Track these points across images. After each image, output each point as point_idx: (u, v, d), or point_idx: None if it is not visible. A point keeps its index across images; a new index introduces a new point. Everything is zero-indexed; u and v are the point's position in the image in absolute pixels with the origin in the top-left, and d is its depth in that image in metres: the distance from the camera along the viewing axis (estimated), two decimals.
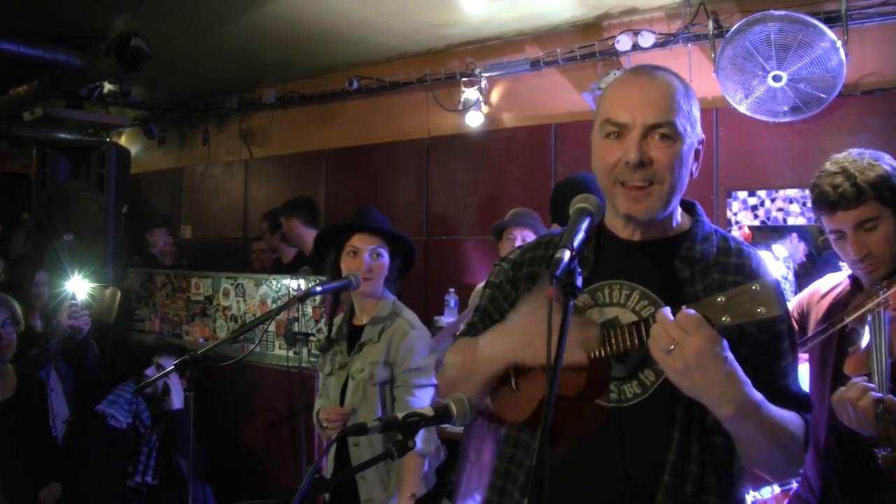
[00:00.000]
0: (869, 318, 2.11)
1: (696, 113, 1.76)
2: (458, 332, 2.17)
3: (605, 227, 1.86)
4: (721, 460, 1.68)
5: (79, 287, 4.73)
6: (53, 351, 4.57)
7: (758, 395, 1.55)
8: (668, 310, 1.51)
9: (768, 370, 1.69)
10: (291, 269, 5.46)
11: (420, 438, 3.06)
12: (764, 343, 1.70)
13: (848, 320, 2.22)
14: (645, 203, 1.70)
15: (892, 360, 2.00)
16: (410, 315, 3.30)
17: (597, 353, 1.66)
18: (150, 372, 4.98)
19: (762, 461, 1.69)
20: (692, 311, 1.47)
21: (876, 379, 1.97)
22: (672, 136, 1.68)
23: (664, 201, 1.71)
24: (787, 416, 1.66)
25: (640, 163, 1.67)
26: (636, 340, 1.61)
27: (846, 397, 1.97)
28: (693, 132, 1.74)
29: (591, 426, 1.72)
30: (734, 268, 1.74)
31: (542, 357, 1.59)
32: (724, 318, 1.46)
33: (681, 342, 1.46)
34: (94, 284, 4.99)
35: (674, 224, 1.81)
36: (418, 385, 3.10)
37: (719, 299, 1.47)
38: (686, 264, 1.75)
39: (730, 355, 1.49)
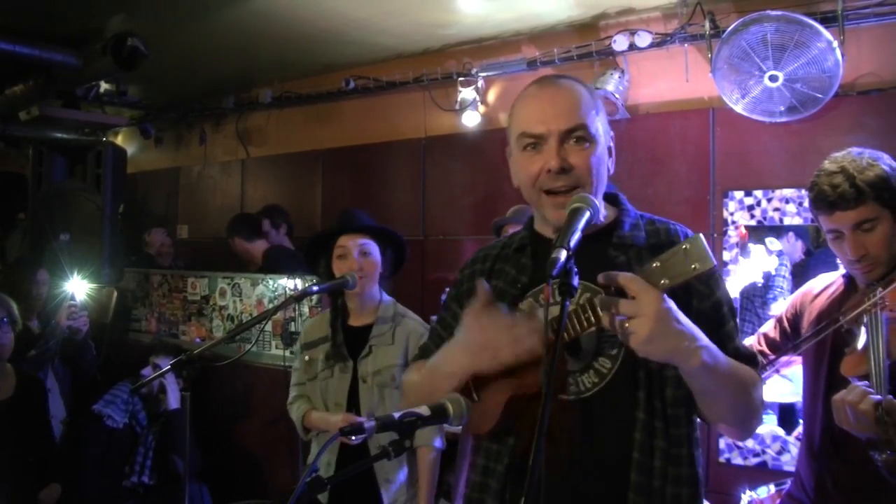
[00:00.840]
0: (865, 319, 2.11)
1: (603, 114, 1.86)
2: (411, 357, 2.21)
3: (537, 233, 1.95)
4: (685, 431, 1.75)
5: (78, 288, 4.73)
6: (52, 351, 4.57)
7: (711, 342, 1.62)
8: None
9: (716, 336, 1.72)
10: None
11: (433, 435, 3.08)
12: (706, 311, 1.77)
13: (843, 321, 2.22)
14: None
15: (891, 362, 1.99)
16: (413, 314, 3.30)
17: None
18: (147, 372, 4.97)
19: (729, 413, 1.75)
20: (632, 275, 1.54)
21: (874, 380, 1.97)
22: (587, 137, 1.78)
23: None
24: (744, 367, 1.75)
25: (562, 169, 1.75)
26: (586, 323, 1.65)
27: (847, 400, 1.97)
28: (605, 132, 1.84)
29: (557, 421, 1.72)
30: (666, 245, 1.74)
31: (501, 358, 1.69)
32: (662, 281, 1.52)
33: (635, 313, 1.51)
34: (91, 285, 4.99)
35: (601, 218, 1.84)
36: None
37: (654, 265, 1.53)
38: (620, 251, 1.83)
39: (675, 307, 1.55)
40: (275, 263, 5.44)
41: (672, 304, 1.54)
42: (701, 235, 1.50)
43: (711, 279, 1.80)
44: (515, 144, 1.87)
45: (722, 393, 1.69)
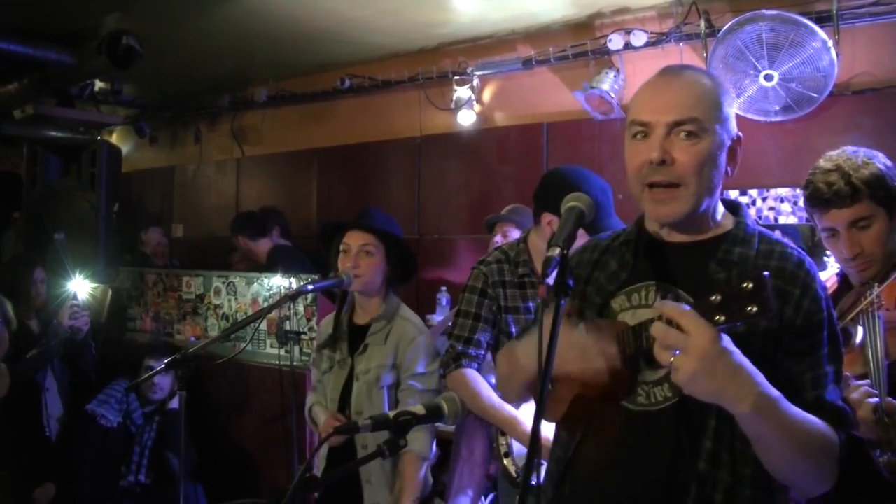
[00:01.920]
0: (861, 318, 2.10)
1: (730, 111, 1.73)
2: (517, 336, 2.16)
3: (645, 229, 1.84)
4: (755, 472, 1.61)
5: (79, 287, 4.72)
6: (54, 351, 4.56)
7: (774, 391, 1.48)
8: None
9: (801, 378, 1.62)
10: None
11: (424, 443, 3.06)
12: (799, 350, 1.64)
13: (842, 323, 2.21)
14: (670, 206, 1.68)
15: (889, 361, 1.99)
16: (415, 318, 3.28)
17: (620, 356, 1.65)
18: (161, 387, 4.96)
19: (784, 468, 1.60)
20: (686, 307, 1.44)
21: (874, 381, 1.96)
22: (697, 132, 1.65)
23: (691, 204, 1.67)
24: (815, 422, 1.57)
25: (662, 161, 1.64)
26: (643, 342, 1.58)
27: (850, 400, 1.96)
28: (724, 129, 1.69)
29: (616, 428, 1.69)
30: (774, 270, 1.65)
31: (569, 370, 1.66)
32: (717, 318, 1.41)
33: (682, 347, 1.42)
34: (93, 284, 4.98)
35: (712, 225, 1.76)
36: (422, 391, 3.09)
37: (714, 297, 1.43)
38: (722, 267, 1.70)
39: (735, 349, 1.45)
40: (279, 263, 5.43)
41: (728, 344, 1.43)
42: (766, 275, 1.38)
43: (816, 316, 1.65)
44: (627, 132, 1.75)
45: (777, 446, 1.54)
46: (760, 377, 1.46)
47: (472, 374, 2.93)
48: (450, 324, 4.22)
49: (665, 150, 1.64)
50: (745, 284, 1.40)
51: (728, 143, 1.71)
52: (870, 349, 2.01)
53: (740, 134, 1.74)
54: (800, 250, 1.76)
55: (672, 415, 1.64)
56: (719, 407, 1.50)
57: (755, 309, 1.38)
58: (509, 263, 3.01)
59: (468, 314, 3.00)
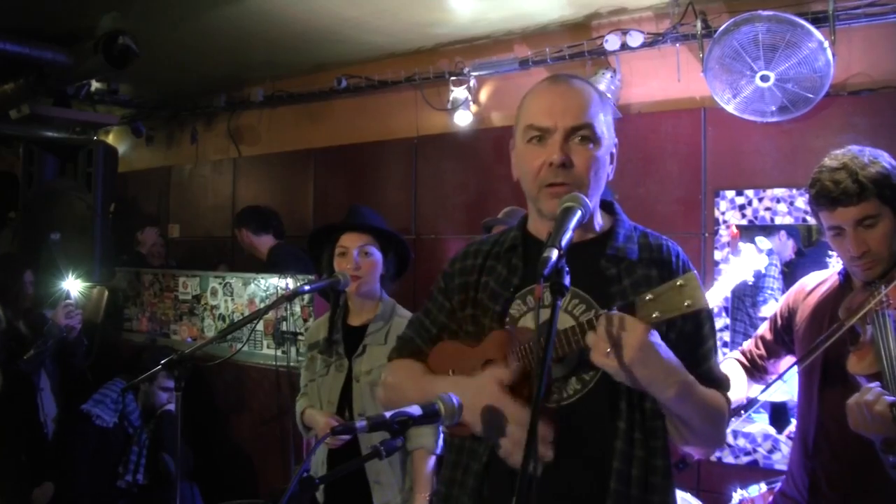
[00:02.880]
0: (873, 319, 2.10)
1: (610, 119, 1.87)
2: (397, 346, 2.20)
3: (530, 234, 1.95)
4: (661, 443, 1.79)
5: (72, 286, 4.72)
6: (50, 350, 4.56)
7: (690, 376, 1.71)
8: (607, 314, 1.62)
9: (693, 355, 1.80)
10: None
11: (432, 438, 3.06)
12: (687, 331, 1.82)
13: (850, 323, 2.21)
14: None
15: None
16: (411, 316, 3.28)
17: (534, 360, 1.71)
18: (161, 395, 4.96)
19: (696, 437, 1.81)
20: (620, 312, 1.61)
21: (888, 380, 1.97)
22: (591, 138, 1.79)
23: (584, 204, 1.76)
24: (714, 394, 1.81)
25: (563, 164, 1.75)
26: (574, 345, 1.69)
27: (862, 402, 1.96)
28: (609, 136, 1.85)
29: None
30: (658, 262, 1.85)
31: (480, 431, 1.76)
32: (654, 315, 1.58)
33: (619, 343, 1.57)
34: (85, 284, 4.97)
35: (596, 226, 1.90)
36: None
37: (648, 297, 1.59)
38: (612, 262, 1.84)
39: (662, 343, 1.64)
40: (279, 262, 5.43)
41: (657, 338, 1.62)
42: (695, 273, 1.58)
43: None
44: (521, 136, 1.86)
45: (692, 421, 1.75)
46: (681, 366, 1.68)
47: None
48: None
49: (565, 153, 1.76)
50: (678, 282, 1.56)
51: (612, 148, 1.87)
52: (882, 349, 2.02)
53: (617, 140, 1.90)
54: (670, 240, 1.94)
55: (585, 405, 1.77)
56: (628, 391, 1.72)
57: (689, 303, 1.55)
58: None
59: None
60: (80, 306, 4.78)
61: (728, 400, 1.87)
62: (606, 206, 1.97)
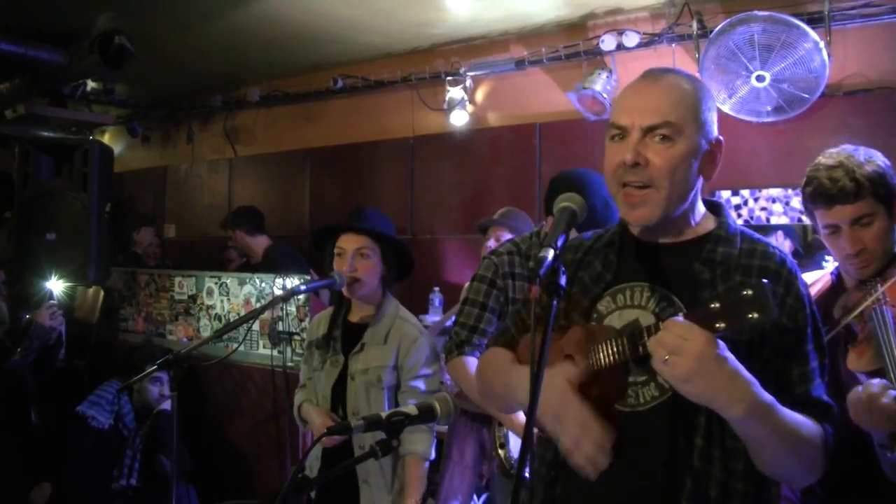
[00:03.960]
0: (872, 316, 2.10)
1: (710, 116, 1.77)
2: (493, 337, 2.17)
3: (628, 230, 1.87)
4: (745, 466, 1.66)
5: (55, 287, 4.70)
6: (36, 351, 4.54)
7: (767, 396, 1.54)
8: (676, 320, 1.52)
9: (789, 374, 1.67)
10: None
11: (426, 444, 3.06)
12: (786, 346, 1.69)
13: (847, 320, 2.21)
14: (641, 209, 1.71)
15: None
16: (414, 319, 3.26)
17: (607, 359, 1.68)
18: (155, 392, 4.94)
19: (775, 466, 1.65)
20: (682, 319, 1.50)
21: (891, 375, 1.96)
22: (671, 136, 1.69)
23: (662, 207, 1.71)
24: (803, 421, 1.63)
25: (636, 163, 1.68)
26: (635, 349, 1.62)
27: (865, 395, 1.96)
28: (701, 134, 1.74)
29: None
30: (758, 269, 1.72)
31: (548, 427, 1.69)
32: (718, 325, 1.47)
33: (678, 351, 1.47)
34: (69, 284, 4.96)
35: (693, 225, 1.80)
36: (424, 392, 3.08)
37: (713, 305, 1.48)
38: (707, 266, 1.74)
39: (730, 356, 1.50)
40: (276, 262, 5.42)
41: (724, 349, 1.49)
42: (767, 283, 1.45)
43: (801, 313, 1.71)
44: (606, 133, 1.79)
45: (769, 447, 1.60)
46: (756, 384, 1.51)
47: (474, 363, 2.94)
48: (446, 325, 4.23)
49: (638, 152, 1.68)
50: (745, 292, 1.44)
51: (705, 147, 1.75)
52: (883, 346, 2.01)
53: (721, 138, 1.79)
54: (781, 249, 1.80)
55: (662, 413, 1.67)
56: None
57: (756, 316, 1.43)
58: (520, 256, 3.03)
59: (475, 303, 3.00)
60: (63, 307, 4.76)
61: (826, 431, 1.68)
62: (713, 208, 1.88)
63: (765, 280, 1.46)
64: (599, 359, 1.69)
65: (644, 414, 1.69)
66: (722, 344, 1.49)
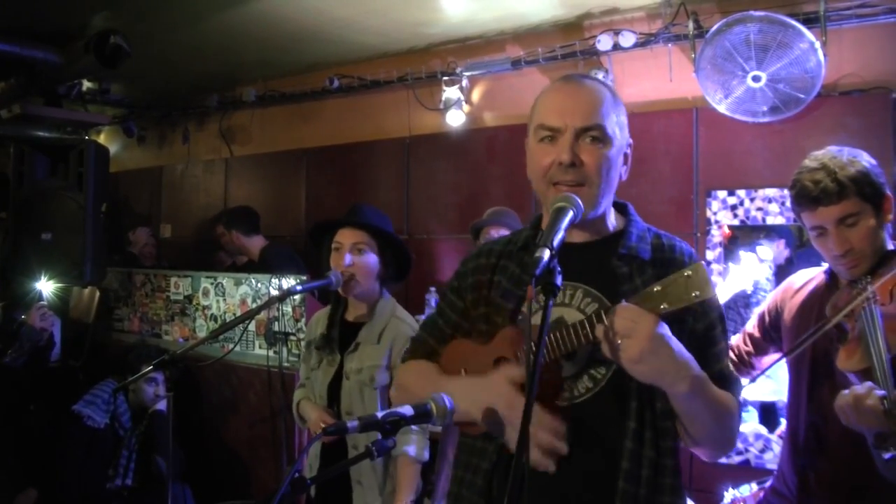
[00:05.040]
0: (861, 315, 2.10)
1: (624, 119, 1.88)
2: (397, 353, 2.21)
3: (542, 232, 1.90)
4: (671, 443, 1.78)
5: (45, 288, 4.69)
6: (26, 353, 4.52)
7: (702, 372, 1.68)
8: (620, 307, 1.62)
9: (704, 355, 1.76)
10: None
11: (420, 447, 3.06)
12: (699, 331, 1.81)
13: (837, 319, 2.22)
14: None
15: (891, 355, 2.00)
16: (410, 319, 3.26)
17: (546, 357, 1.73)
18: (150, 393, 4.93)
19: (706, 437, 1.80)
20: (629, 304, 1.60)
21: (878, 375, 1.97)
22: (602, 138, 1.80)
23: (593, 203, 1.80)
24: (725, 394, 1.79)
25: (572, 163, 1.77)
26: (583, 338, 1.69)
27: (852, 396, 1.96)
28: (622, 136, 1.86)
29: (549, 426, 1.76)
30: (668, 262, 1.84)
31: (491, 430, 1.77)
32: (662, 306, 1.57)
33: (630, 334, 1.56)
34: (60, 285, 4.94)
35: (609, 226, 1.92)
36: None
37: (656, 289, 1.59)
38: (624, 261, 1.85)
39: (673, 336, 1.61)
40: (272, 262, 5.41)
41: (667, 330, 1.59)
42: (703, 264, 1.56)
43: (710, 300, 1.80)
44: (533, 135, 1.88)
45: (702, 419, 1.74)
46: (693, 361, 1.66)
47: None
48: None
49: (575, 153, 1.78)
50: (685, 273, 1.56)
51: (625, 149, 1.89)
52: (871, 344, 2.02)
53: (632, 141, 1.92)
54: (683, 242, 1.94)
55: (596, 403, 1.78)
56: (639, 389, 1.73)
57: (698, 293, 1.54)
58: None
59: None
60: (54, 308, 4.75)
61: (739, 403, 1.85)
62: (620, 208, 1.99)
63: (702, 261, 1.60)
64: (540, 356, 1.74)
65: (581, 405, 1.78)
66: (665, 325, 1.60)
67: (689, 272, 1.55)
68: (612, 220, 1.94)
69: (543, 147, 1.84)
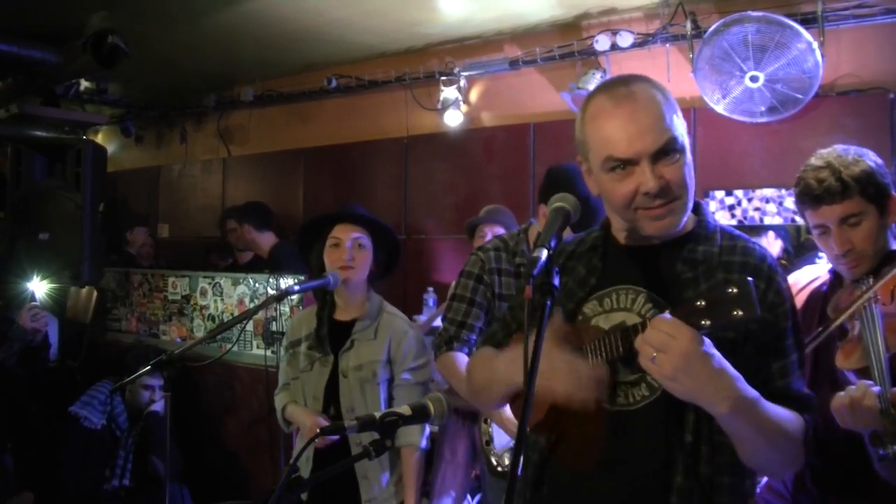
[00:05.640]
0: (861, 314, 2.10)
1: (680, 111, 1.75)
2: (481, 340, 2.19)
3: (611, 235, 1.88)
4: (731, 459, 1.68)
5: (38, 288, 4.67)
6: (17, 354, 4.50)
7: (752, 392, 1.56)
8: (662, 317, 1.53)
9: (769, 368, 1.69)
10: (248, 272, 5.49)
11: (418, 433, 3.07)
12: (766, 341, 1.70)
13: (840, 320, 2.22)
14: (668, 219, 1.71)
15: (890, 354, 2.00)
16: (400, 313, 3.27)
17: (595, 359, 1.69)
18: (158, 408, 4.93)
19: (758, 459, 1.69)
20: (669, 317, 1.50)
21: (876, 374, 1.97)
22: (676, 149, 1.68)
23: (684, 213, 1.73)
24: (785, 415, 1.66)
25: (660, 190, 1.67)
26: (627, 346, 1.62)
27: (848, 396, 1.96)
28: (685, 132, 1.74)
29: (597, 431, 1.72)
30: (738, 265, 1.74)
31: (555, 393, 1.67)
32: (703, 322, 1.48)
33: (665, 349, 1.48)
34: (56, 285, 4.93)
35: (680, 225, 1.78)
36: (416, 384, 3.10)
37: (699, 303, 1.49)
38: (689, 266, 1.76)
39: (716, 353, 1.51)
40: (281, 261, 5.41)
41: (709, 347, 1.50)
42: (751, 280, 1.45)
43: (781, 308, 1.73)
44: (599, 165, 1.74)
45: (750, 440, 1.63)
46: (741, 380, 1.53)
47: (462, 358, 2.95)
48: (434, 324, 4.23)
49: (658, 177, 1.66)
50: (730, 290, 1.45)
51: (689, 144, 1.76)
52: (870, 343, 2.02)
53: (686, 123, 1.77)
54: (760, 245, 1.83)
55: (651, 412, 1.69)
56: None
57: (740, 313, 1.44)
58: (507, 252, 3.05)
59: (463, 298, 3.03)
60: (45, 309, 4.73)
61: (805, 422, 1.71)
62: (693, 207, 1.85)
63: (749, 277, 1.46)
64: (589, 359, 1.70)
65: (634, 413, 1.70)
66: (707, 341, 1.50)
67: (733, 289, 1.45)
68: (683, 220, 1.81)
69: (618, 176, 1.70)
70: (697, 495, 1.65)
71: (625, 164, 1.68)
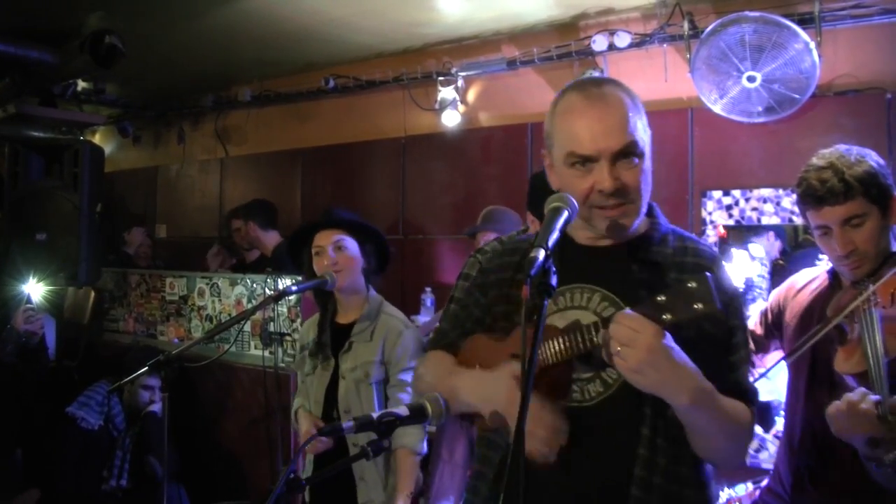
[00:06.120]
0: (861, 317, 2.10)
1: (645, 118, 1.82)
2: (430, 337, 2.20)
3: (567, 234, 1.91)
4: (687, 450, 1.74)
5: (34, 290, 4.66)
6: (11, 356, 4.50)
7: (709, 384, 1.63)
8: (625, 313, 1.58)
9: (719, 363, 1.74)
10: (253, 271, 5.48)
11: (416, 438, 3.08)
12: (718, 338, 1.76)
13: (837, 320, 2.21)
14: (622, 220, 1.77)
15: (889, 359, 1.99)
16: (399, 313, 3.29)
17: (553, 357, 1.73)
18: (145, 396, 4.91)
19: (711, 450, 1.76)
20: (631, 312, 1.56)
21: (874, 379, 1.96)
22: (636, 153, 1.75)
23: (637, 214, 1.79)
24: (736, 406, 1.73)
25: (616, 189, 1.73)
26: (588, 343, 1.67)
27: (846, 402, 1.96)
28: (648, 138, 1.81)
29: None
30: (690, 266, 1.79)
31: (494, 424, 1.75)
32: (664, 317, 1.54)
33: (630, 343, 1.53)
34: (54, 286, 4.93)
35: (632, 228, 1.84)
36: (412, 384, 3.11)
37: (660, 298, 1.55)
38: (643, 266, 1.81)
39: (676, 346, 1.57)
40: (285, 261, 5.40)
41: (670, 341, 1.55)
42: (709, 275, 1.52)
43: (731, 306, 1.78)
44: (562, 160, 1.79)
45: (706, 431, 1.70)
46: (699, 373, 1.61)
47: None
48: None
49: (615, 177, 1.73)
50: (690, 284, 1.53)
51: (651, 147, 1.83)
52: (868, 347, 2.01)
53: (650, 132, 1.84)
54: (710, 245, 1.92)
55: (608, 407, 1.74)
56: (652, 396, 1.64)
57: (700, 306, 1.51)
58: None
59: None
60: (41, 311, 4.72)
61: (753, 415, 1.79)
62: (646, 209, 1.91)
63: (707, 273, 1.53)
64: (546, 357, 1.74)
65: (590, 409, 1.75)
66: (668, 335, 1.55)
67: (693, 283, 1.52)
68: (636, 223, 1.87)
69: (577, 172, 1.77)
70: (657, 486, 1.70)
71: (585, 161, 1.75)
